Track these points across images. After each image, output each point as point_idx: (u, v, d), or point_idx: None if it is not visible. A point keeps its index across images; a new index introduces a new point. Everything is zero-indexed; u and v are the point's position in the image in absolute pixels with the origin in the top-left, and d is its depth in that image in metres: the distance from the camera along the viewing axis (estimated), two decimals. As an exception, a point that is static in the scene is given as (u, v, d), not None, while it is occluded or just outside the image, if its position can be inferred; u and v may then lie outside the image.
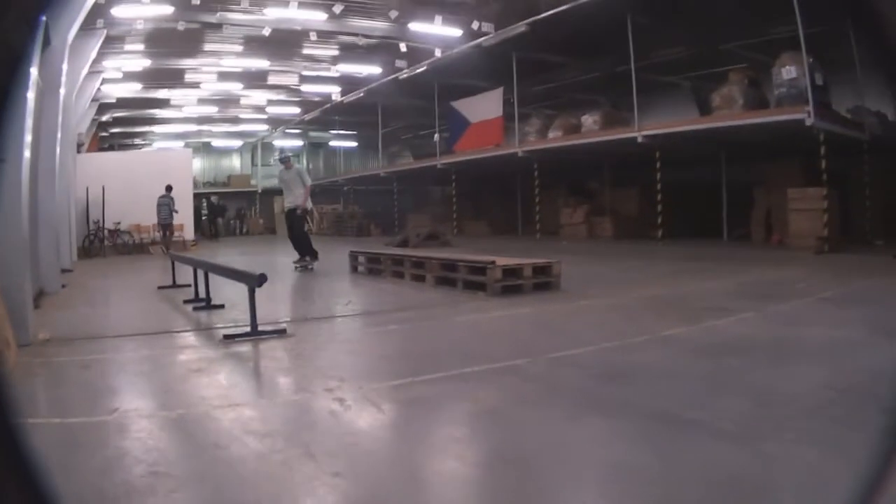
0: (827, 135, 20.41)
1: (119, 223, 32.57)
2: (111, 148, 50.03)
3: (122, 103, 42.02)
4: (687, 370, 6.79)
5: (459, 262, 13.74)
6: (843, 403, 5.35)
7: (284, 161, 19.85)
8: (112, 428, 5.15)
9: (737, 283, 13.91)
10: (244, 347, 8.34)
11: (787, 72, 21.39)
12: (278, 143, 60.99)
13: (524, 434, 4.99)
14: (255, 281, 8.70)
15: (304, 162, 63.20)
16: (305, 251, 19.14)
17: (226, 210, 54.80)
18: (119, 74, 35.09)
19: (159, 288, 15.15)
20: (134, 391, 6.71)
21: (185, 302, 12.46)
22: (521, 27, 26.87)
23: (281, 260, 23.61)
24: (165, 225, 31.57)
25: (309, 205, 20.31)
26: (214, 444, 4.73)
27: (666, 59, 29.30)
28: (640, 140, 25.35)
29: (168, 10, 25.87)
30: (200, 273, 12.36)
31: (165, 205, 31.37)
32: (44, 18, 11.61)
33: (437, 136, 39.93)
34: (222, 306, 11.60)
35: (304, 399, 6.10)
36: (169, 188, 31.88)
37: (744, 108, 22.82)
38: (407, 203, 48.27)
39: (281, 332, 8.97)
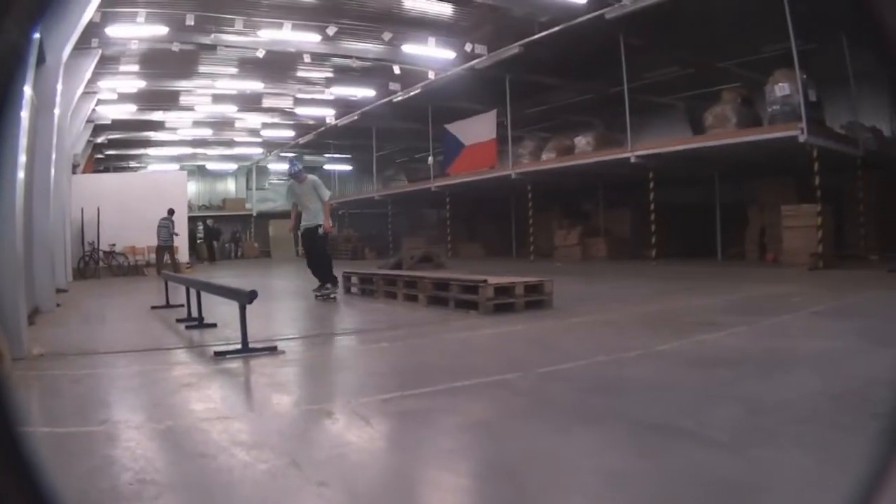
0: (821, 151, 20.61)
1: (114, 245, 32.86)
2: (107, 170, 50.09)
3: (118, 125, 42.15)
4: (679, 382, 6.81)
5: (451, 282, 13.79)
6: (835, 410, 5.40)
7: (296, 174, 17.11)
8: (101, 438, 5.20)
9: (730, 300, 14.03)
10: (235, 364, 8.36)
11: (781, 89, 21.61)
12: (273, 166, 61.16)
13: (514, 445, 5.00)
14: (245, 298, 8.74)
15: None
16: (327, 277, 16.81)
17: (220, 233, 54.82)
18: (114, 95, 35.21)
19: (153, 308, 15.19)
20: (124, 404, 6.75)
21: (178, 321, 12.47)
22: (514, 49, 27.01)
23: (276, 283, 23.72)
24: (166, 246, 31.78)
25: (330, 223, 17.33)
26: (201, 454, 4.76)
27: (659, 80, 29.67)
28: (633, 161, 25.63)
29: (163, 30, 25.91)
30: (193, 293, 12.41)
31: (165, 227, 31.64)
32: (37, 35, 11.65)
33: (430, 158, 40.04)
34: (214, 325, 11.62)
35: (292, 412, 6.14)
36: (171, 211, 32.35)
37: (737, 126, 23.08)
38: (401, 226, 48.59)
39: (272, 350, 9.00)
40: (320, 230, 16.62)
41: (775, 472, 4.11)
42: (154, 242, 32.11)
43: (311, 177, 17.28)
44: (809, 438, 4.75)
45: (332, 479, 4.26)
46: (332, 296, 16.61)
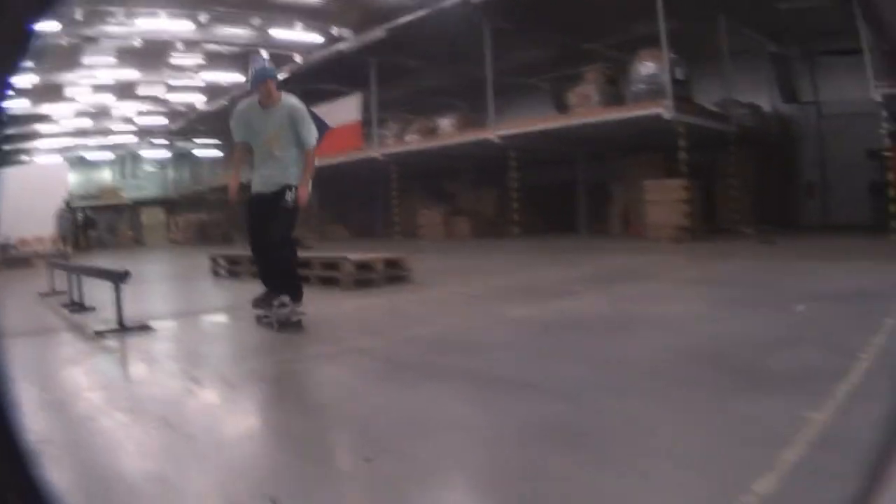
0: (689, 128, 20.87)
1: (8, 238, 32.83)
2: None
3: (12, 120, 41.51)
4: (528, 343, 7.34)
5: (314, 259, 14.19)
6: (683, 366, 5.80)
7: (262, 75, 8.97)
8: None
9: (589, 271, 14.53)
10: (113, 342, 8.70)
11: (646, 68, 21.85)
12: (146, 153, 60.31)
13: (368, 401, 5.39)
14: (118, 278, 9.22)
15: (171, 173, 62.19)
16: (288, 282, 9.03)
17: (96, 222, 54.31)
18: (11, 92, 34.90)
19: (40, 295, 15.28)
20: (17, 380, 7.16)
21: (63, 306, 12.67)
22: (378, 33, 27.30)
23: (150, 267, 23.84)
24: (65, 236, 32.15)
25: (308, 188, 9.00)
26: (88, 417, 5.26)
27: (526, 62, 29.72)
28: (495, 141, 25.82)
29: (57, 26, 25.85)
30: (75, 279, 12.71)
31: (66, 217, 32.09)
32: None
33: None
34: (94, 308, 11.79)
35: (164, 381, 6.56)
36: (68, 203, 34.27)
37: (600, 105, 23.17)
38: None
39: (146, 328, 9.37)
40: (289, 196, 8.75)
41: (614, 419, 4.50)
42: (42, 233, 32.26)
43: (291, 99, 9.21)
44: (654, 391, 5.08)
45: (200, 433, 4.78)
46: (294, 319, 8.88)
